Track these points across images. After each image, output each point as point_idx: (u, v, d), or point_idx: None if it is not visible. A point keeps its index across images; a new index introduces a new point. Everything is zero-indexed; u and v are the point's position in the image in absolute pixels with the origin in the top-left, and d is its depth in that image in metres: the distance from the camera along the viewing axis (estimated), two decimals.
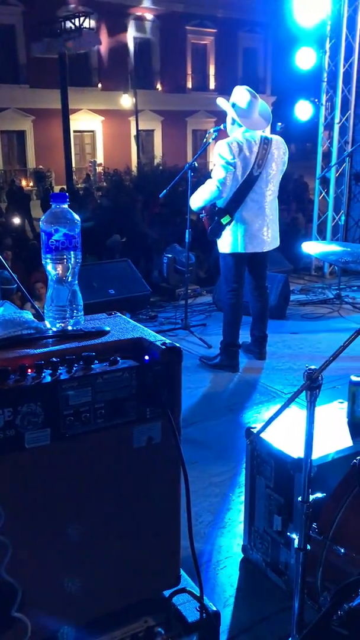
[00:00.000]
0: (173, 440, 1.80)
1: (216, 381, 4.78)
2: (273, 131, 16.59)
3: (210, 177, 4.64)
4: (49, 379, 1.62)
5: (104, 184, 24.02)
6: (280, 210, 5.18)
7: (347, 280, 7.64)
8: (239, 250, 4.67)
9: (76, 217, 1.85)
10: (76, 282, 1.89)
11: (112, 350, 1.79)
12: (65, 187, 19.73)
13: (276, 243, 4.84)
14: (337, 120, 8.00)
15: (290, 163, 5.01)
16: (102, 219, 13.48)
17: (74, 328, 1.87)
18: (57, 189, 23.10)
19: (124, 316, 2.06)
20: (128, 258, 7.45)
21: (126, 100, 27.78)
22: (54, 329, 1.86)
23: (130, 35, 28.97)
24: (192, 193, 4.85)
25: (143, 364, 1.75)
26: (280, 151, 4.64)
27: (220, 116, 7.14)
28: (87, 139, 29.49)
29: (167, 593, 1.94)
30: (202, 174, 10.13)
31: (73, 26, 19.65)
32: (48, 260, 1.84)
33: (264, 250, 4.76)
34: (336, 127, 8.04)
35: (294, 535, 2.02)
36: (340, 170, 8.28)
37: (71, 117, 21.17)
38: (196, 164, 5.55)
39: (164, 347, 1.77)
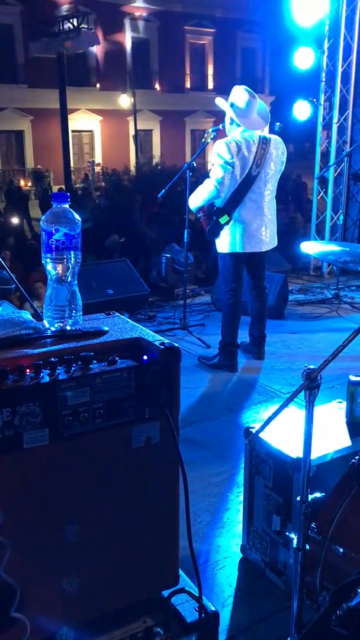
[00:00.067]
0: (172, 440, 1.80)
1: (215, 381, 4.78)
2: (271, 131, 16.56)
3: (208, 177, 4.65)
4: (47, 379, 1.62)
5: (102, 184, 24.03)
6: (279, 210, 5.18)
7: (345, 280, 7.65)
8: (237, 250, 4.67)
9: (77, 216, 1.85)
10: (76, 282, 1.89)
11: (111, 350, 1.79)
12: (63, 187, 19.68)
13: (274, 243, 4.84)
14: (335, 120, 8.00)
15: (289, 163, 5.01)
16: (101, 219, 13.47)
17: (73, 328, 1.87)
18: (55, 188, 23.06)
19: (122, 316, 2.06)
20: (126, 258, 7.45)
21: (125, 100, 27.76)
22: (53, 329, 1.86)
23: (129, 35, 28.96)
24: (190, 193, 4.86)
25: (142, 363, 1.75)
26: (278, 151, 4.64)
27: (219, 116, 7.14)
28: (85, 138, 29.48)
29: (166, 593, 1.94)
30: (201, 174, 10.13)
31: (71, 26, 19.59)
32: (48, 260, 1.84)
33: (262, 250, 4.76)
34: (334, 127, 8.04)
35: (292, 535, 2.02)
36: (339, 170, 8.28)
37: (70, 117, 21.12)
38: (195, 164, 5.55)
39: (162, 347, 1.77)
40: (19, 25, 25.78)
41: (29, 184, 26.20)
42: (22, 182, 25.39)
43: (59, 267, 1.84)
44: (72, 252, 1.84)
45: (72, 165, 21.71)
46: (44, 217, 1.84)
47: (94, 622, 1.83)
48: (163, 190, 5.93)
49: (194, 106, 30.81)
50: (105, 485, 1.76)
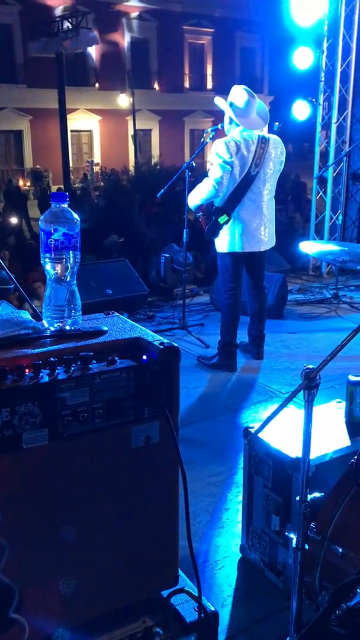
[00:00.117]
0: (171, 440, 1.80)
1: (214, 381, 4.78)
2: (270, 131, 16.56)
3: (207, 176, 4.65)
4: (46, 379, 1.61)
5: (101, 184, 24.01)
6: (278, 210, 5.19)
7: (344, 280, 7.65)
8: (236, 250, 4.67)
9: (75, 216, 1.84)
10: (75, 282, 1.89)
11: (110, 350, 1.78)
12: (62, 186, 19.69)
13: (273, 242, 4.84)
14: (334, 119, 8.00)
15: (288, 163, 5.01)
16: (100, 218, 13.47)
17: (72, 328, 1.87)
18: (54, 188, 23.04)
19: (121, 316, 2.06)
20: (125, 258, 7.44)
21: (123, 100, 27.74)
22: (52, 329, 1.85)
23: (128, 35, 28.94)
24: (189, 193, 4.86)
25: (141, 363, 1.75)
26: (277, 151, 4.65)
27: (218, 116, 7.14)
28: (84, 138, 29.46)
29: (165, 593, 1.94)
30: (200, 174, 10.12)
31: (70, 26, 19.61)
32: (47, 260, 1.83)
33: (261, 250, 4.76)
34: (333, 127, 8.04)
35: (292, 535, 2.02)
36: (338, 169, 8.28)
37: (68, 116, 21.11)
38: (194, 164, 5.55)
39: (162, 346, 1.76)
40: (17, 25, 25.76)
41: (28, 183, 26.18)
42: (21, 182, 25.36)
43: (58, 267, 1.84)
44: (71, 252, 1.83)
45: (71, 165, 21.72)
46: (42, 217, 1.83)
47: (93, 622, 1.82)
48: (162, 190, 5.93)
49: (193, 106, 30.80)
50: (104, 485, 1.76)
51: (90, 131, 29.34)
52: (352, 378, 2.62)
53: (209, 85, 31.95)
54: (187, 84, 31.58)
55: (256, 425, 2.59)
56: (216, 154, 4.52)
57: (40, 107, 25.76)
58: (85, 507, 1.74)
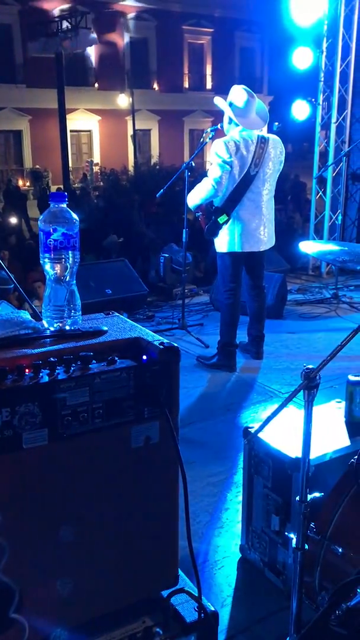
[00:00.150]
0: (171, 440, 1.80)
1: (213, 381, 4.78)
2: (270, 131, 16.57)
3: (206, 176, 4.65)
4: (46, 379, 1.61)
5: (100, 184, 23.99)
6: (277, 210, 5.19)
7: (344, 280, 7.65)
8: (236, 250, 4.67)
9: (75, 216, 1.84)
10: (74, 281, 1.89)
11: (110, 350, 1.78)
12: (62, 186, 19.68)
13: (272, 242, 4.85)
14: (334, 119, 8.00)
15: (287, 162, 5.01)
16: (99, 218, 13.47)
17: (72, 328, 1.87)
18: (54, 188, 23.01)
19: (121, 316, 2.06)
20: (125, 258, 7.44)
21: (123, 100, 27.73)
22: (52, 329, 1.85)
23: (127, 35, 28.93)
24: (189, 192, 4.86)
25: (141, 363, 1.75)
26: (277, 150, 4.65)
27: (217, 116, 7.14)
28: (84, 138, 29.44)
29: (165, 593, 1.94)
30: (199, 174, 10.13)
31: (70, 26, 19.61)
32: (46, 260, 1.83)
33: (261, 250, 4.76)
34: (333, 127, 8.04)
35: (291, 535, 2.02)
36: (337, 169, 8.28)
37: (68, 116, 21.11)
38: (193, 164, 5.55)
39: (161, 346, 1.76)
40: (17, 25, 25.74)
41: (27, 183, 26.16)
42: (20, 182, 25.35)
43: (57, 267, 1.84)
44: (70, 251, 1.83)
45: (70, 165, 21.72)
46: (41, 217, 1.83)
47: (93, 622, 1.82)
48: (162, 190, 5.93)
49: (192, 106, 30.79)
50: (104, 485, 1.76)
51: (89, 131, 29.33)
52: (351, 378, 2.62)
53: (209, 85, 31.94)
54: (186, 84, 31.56)
55: (256, 425, 2.59)
56: (215, 154, 4.52)
57: (40, 107, 25.75)
58: (85, 507, 1.74)
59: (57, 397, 1.62)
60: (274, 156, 4.63)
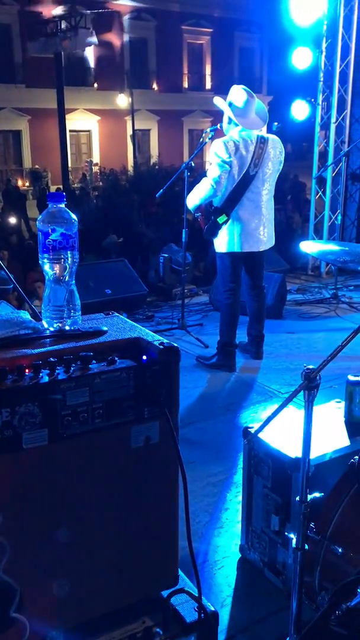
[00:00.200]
0: (171, 440, 1.80)
1: (213, 381, 4.78)
2: (269, 131, 16.56)
3: (205, 176, 4.65)
4: (46, 379, 1.61)
5: (100, 184, 23.98)
6: (277, 210, 5.19)
7: (343, 280, 7.65)
8: (235, 250, 4.67)
9: (73, 216, 1.84)
10: (73, 282, 1.89)
11: (110, 350, 1.78)
12: (61, 186, 19.69)
13: (272, 242, 4.85)
14: (333, 119, 8.00)
15: (287, 163, 5.01)
16: (99, 218, 13.47)
17: (72, 328, 1.87)
18: (53, 188, 23.02)
19: (121, 316, 2.06)
20: (124, 258, 7.44)
21: (122, 100, 27.74)
22: (52, 329, 1.85)
23: (126, 35, 28.93)
24: (188, 193, 4.86)
25: (141, 363, 1.75)
26: (276, 151, 4.65)
27: (217, 116, 7.14)
28: (83, 138, 29.44)
29: (165, 593, 1.94)
30: (199, 174, 10.13)
31: (69, 26, 19.61)
32: (45, 260, 1.83)
33: (260, 250, 4.76)
34: (332, 127, 8.04)
35: (291, 535, 2.02)
36: (337, 169, 8.29)
37: (67, 116, 21.11)
38: (193, 164, 5.55)
39: (161, 347, 1.76)
40: (16, 25, 25.74)
41: (27, 183, 26.16)
42: (19, 182, 25.35)
43: (57, 267, 1.84)
44: (69, 252, 1.83)
45: (69, 165, 21.73)
46: (40, 217, 1.83)
47: (93, 622, 1.82)
48: (161, 190, 5.93)
49: (191, 106, 30.80)
50: (104, 485, 1.76)
51: (89, 131, 29.34)
52: (351, 378, 2.62)
53: (208, 85, 31.95)
54: (185, 84, 31.57)
55: (256, 425, 2.59)
56: (215, 154, 4.52)
57: (39, 107, 25.76)
58: (85, 507, 1.74)
59: (57, 397, 1.62)
60: (274, 156, 4.63)
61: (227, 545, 2.85)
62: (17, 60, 26.19)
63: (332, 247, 2.33)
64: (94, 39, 20.74)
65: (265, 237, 4.73)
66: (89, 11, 22.12)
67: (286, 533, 2.40)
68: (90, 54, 27.14)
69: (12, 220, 14.85)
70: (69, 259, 1.84)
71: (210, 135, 5.16)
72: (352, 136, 8.30)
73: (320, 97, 8.09)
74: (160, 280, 7.99)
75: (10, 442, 1.58)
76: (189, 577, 2.03)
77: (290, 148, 27.42)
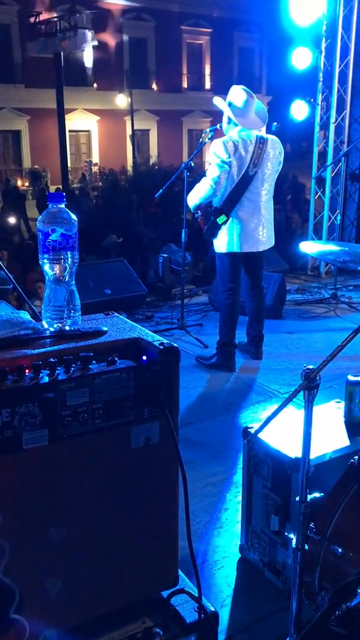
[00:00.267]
0: (171, 440, 1.80)
1: (213, 381, 4.78)
2: (269, 131, 16.59)
3: (204, 176, 4.65)
4: (46, 379, 1.61)
5: (99, 184, 23.99)
6: (276, 210, 5.19)
7: (343, 280, 7.65)
8: (234, 250, 4.67)
9: (73, 217, 1.84)
10: (73, 282, 1.89)
11: (110, 350, 1.78)
12: (61, 187, 19.68)
13: (271, 242, 4.85)
14: (332, 120, 8.00)
15: (286, 163, 5.01)
16: (98, 219, 13.48)
17: (72, 328, 1.87)
18: (52, 188, 23.00)
19: (121, 316, 2.06)
20: (124, 258, 7.44)
21: (121, 100, 27.74)
22: (52, 329, 1.85)
23: (126, 35, 28.93)
24: (188, 193, 4.86)
25: (141, 364, 1.74)
26: (275, 151, 4.65)
27: (216, 116, 7.14)
28: (82, 138, 29.45)
29: (165, 594, 1.94)
30: (198, 174, 10.14)
31: (68, 26, 19.61)
32: (45, 261, 1.83)
33: (260, 250, 4.76)
34: (332, 127, 8.04)
35: (291, 535, 2.02)
36: (336, 170, 8.29)
37: (67, 116, 21.12)
38: (192, 164, 5.56)
39: (161, 347, 1.76)
40: (16, 25, 25.73)
41: (26, 184, 26.16)
42: (19, 182, 25.35)
43: (57, 268, 1.84)
44: (69, 252, 1.83)
45: (69, 165, 21.71)
46: (40, 217, 1.83)
47: (93, 623, 1.82)
48: (160, 190, 5.93)
49: (191, 106, 30.80)
50: (104, 486, 1.76)
51: (88, 131, 29.34)
52: (351, 378, 2.62)
53: (207, 85, 31.95)
54: (185, 84, 31.57)
55: (255, 426, 2.59)
56: (214, 154, 4.53)
57: (39, 107, 25.75)
58: (85, 508, 1.74)
59: (57, 398, 1.62)
60: (273, 156, 4.63)
61: (226, 545, 2.85)
62: (16, 60, 26.19)
63: (332, 247, 2.33)
64: (94, 39, 20.75)
65: (264, 238, 4.73)
66: (88, 11, 22.14)
67: (286, 533, 2.40)
68: (89, 54, 27.09)
69: (12, 220, 14.84)
70: (69, 259, 1.84)
71: (209, 136, 5.16)
72: (352, 136, 8.30)
73: (319, 97, 8.09)
74: (160, 280, 7.99)
75: (11, 443, 1.57)
76: (189, 577, 2.03)
77: (289, 148, 27.40)
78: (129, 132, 28.31)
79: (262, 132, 4.73)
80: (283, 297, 6.56)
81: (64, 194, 1.89)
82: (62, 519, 1.71)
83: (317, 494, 2.08)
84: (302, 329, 6.08)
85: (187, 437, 3.77)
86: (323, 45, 7.87)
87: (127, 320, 2.03)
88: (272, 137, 4.67)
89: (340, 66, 7.89)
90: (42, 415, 1.61)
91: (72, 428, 1.66)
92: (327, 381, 3.29)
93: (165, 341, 1.80)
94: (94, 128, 29.34)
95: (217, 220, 4.61)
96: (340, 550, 2.09)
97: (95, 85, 28.44)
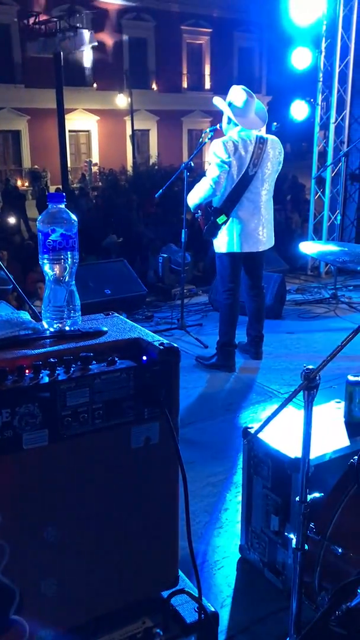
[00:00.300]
0: (171, 440, 1.80)
1: (212, 381, 4.78)
2: (268, 131, 16.58)
3: (204, 176, 4.65)
4: (46, 379, 1.61)
5: (99, 184, 24.00)
6: (276, 210, 5.20)
7: (343, 280, 7.65)
8: (234, 250, 4.67)
9: (73, 217, 1.84)
10: (73, 282, 1.89)
11: (110, 350, 1.78)
12: (60, 187, 19.69)
13: (271, 242, 4.85)
14: (332, 120, 8.00)
15: (286, 163, 5.01)
16: (98, 219, 13.48)
17: (72, 328, 1.87)
18: (52, 188, 23.02)
19: (121, 316, 2.06)
20: (124, 258, 7.44)
21: (121, 100, 27.75)
22: (52, 330, 1.85)
23: (126, 35, 28.94)
24: (188, 193, 4.86)
25: (141, 364, 1.74)
26: (275, 151, 4.65)
27: (216, 116, 7.15)
28: (82, 138, 29.45)
29: (165, 594, 1.94)
30: (198, 174, 10.15)
31: (68, 26, 19.63)
32: (45, 261, 1.83)
33: (260, 250, 4.76)
34: (332, 127, 8.04)
35: (291, 535, 2.02)
36: (336, 170, 8.29)
37: (66, 116, 21.12)
38: (192, 164, 5.56)
39: (161, 347, 1.76)
40: (15, 25, 25.74)
41: (26, 184, 26.17)
42: (19, 182, 25.36)
43: (56, 268, 1.84)
44: (69, 252, 1.83)
45: (69, 165, 21.71)
46: (40, 217, 1.83)
47: (93, 623, 1.82)
48: (160, 190, 5.93)
49: (191, 106, 30.81)
50: (104, 486, 1.76)
51: (88, 131, 29.35)
52: (351, 378, 2.62)
53: (207, 85, 31.96)
54: (185, 84, 31.58)
55: (255, 426, 2.59)
56: (214, 154, 4.53)
57: (39, 107, 25.77)
58: (85, 508, 1.74)
59: (57, 398, 1.62)
60: (273, 156, 4.63)
61: (226, 545, 2.85)
62: (16, 60, 26.20)
63: (332, 247, 2.33)
64: (93, 39, 20.76)
65: (264, 238, 4.73)
66: (88, 11, 22.14)
67: (286, 533, 2.40)
68: (89, 54, 27.09)
69: (12, 220, 14.84)
70: (69, 259, 1.84)
71: (209, 136, 5.16)
72: (352, 136, 8.30)
73: (319, 97, 8.09)
74: (160, 281, 7.99)
75: (11, 443, 1.57)
76: (189, 577, 2.03)
77: (289, 148, 27.42)
78: (128, 132, 28.32)
79: (262, 132, 4.73)
80: (283, 297, 6.56)
81: (64, 194, 1.89)
82: (62, 519, 1.70)
83: (317, 494, 2.08)
84: (302, 329, 6.08)
85: (187, 437, 3.77)
86: (323, 45, 7.87)
87: (127, 320, 2.03)
88: (272, 137, 4.67)
89: (340, 66, 7.89)
90: (42, 416, 1.61)
91: (72, 428, 1.66)
92: (327, 381, 3.29)
93: (165, 341, 1.80)
94: (94, 128, 29.35)
95: (217, 220, 4.61)
96: (340, 550, 2.09)
97: (95, 85, 28.45)
